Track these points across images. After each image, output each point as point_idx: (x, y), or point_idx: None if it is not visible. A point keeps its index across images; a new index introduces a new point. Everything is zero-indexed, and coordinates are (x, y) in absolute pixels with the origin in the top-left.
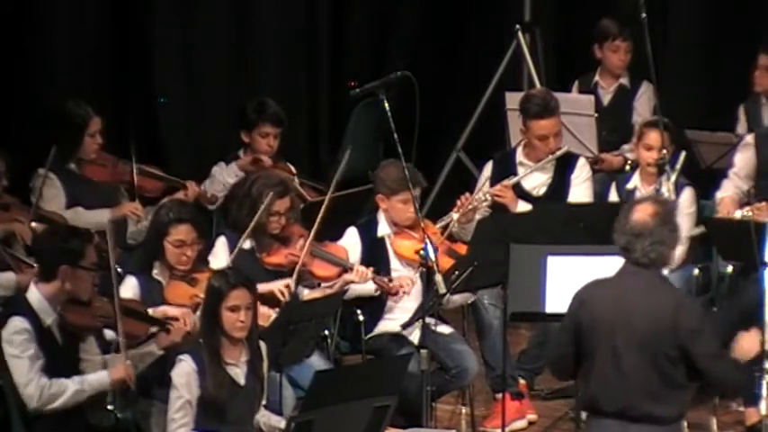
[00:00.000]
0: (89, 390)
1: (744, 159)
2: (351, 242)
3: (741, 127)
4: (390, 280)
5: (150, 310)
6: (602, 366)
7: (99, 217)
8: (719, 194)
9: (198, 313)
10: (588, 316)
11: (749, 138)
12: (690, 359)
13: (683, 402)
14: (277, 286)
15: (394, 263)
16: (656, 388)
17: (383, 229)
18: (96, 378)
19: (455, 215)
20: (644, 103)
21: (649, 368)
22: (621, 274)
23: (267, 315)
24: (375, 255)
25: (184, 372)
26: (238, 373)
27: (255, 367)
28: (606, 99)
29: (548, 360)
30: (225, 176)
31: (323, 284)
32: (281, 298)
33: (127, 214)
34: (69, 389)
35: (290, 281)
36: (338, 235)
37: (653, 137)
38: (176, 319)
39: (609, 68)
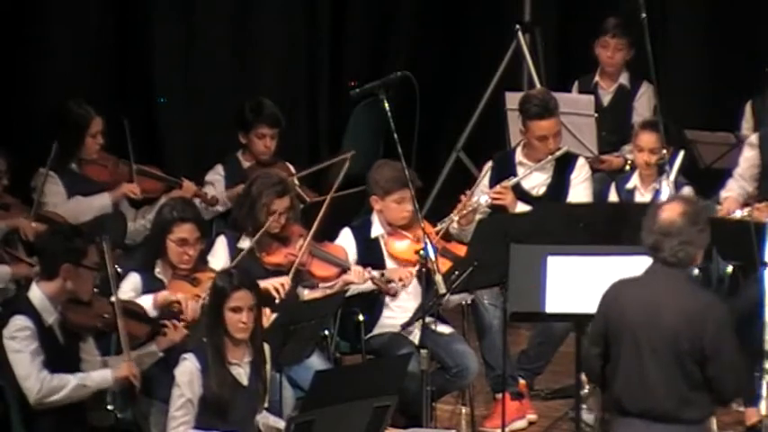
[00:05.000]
0: (91, 386)
1: (748, 160)
2: (345, 243)
3: (747, 123)
4: (389, 281)
5: (151, 296)
6: (627, 366)
7: (100, 201)
8: (723, 194)
9: (200, 303)
10: (615, 315)
11: (753, 138)
12: (706, 362)
13: (706, 404)
14: (272, 283)
15: (389, 263)
16: (679, 388)
17: (377, 230)
18: (99, 375)
19: (455, 216)
20: (644, 104)
21: (674, 368)
22: (649, 273)
23: (266, 316)
24: (369, 256)
25: (188, 370)
26: (241, 374)
27: (258, 368)
28: (606, 99)
29: (583, 363)
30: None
31: (323, 284)
32: (276, 295)
33: (126, 193)
34: (71, 383)
35: (287, 279)
36: (335, 236)
37: (644, 138)
38: (178, 302)
39: (601, 66)
